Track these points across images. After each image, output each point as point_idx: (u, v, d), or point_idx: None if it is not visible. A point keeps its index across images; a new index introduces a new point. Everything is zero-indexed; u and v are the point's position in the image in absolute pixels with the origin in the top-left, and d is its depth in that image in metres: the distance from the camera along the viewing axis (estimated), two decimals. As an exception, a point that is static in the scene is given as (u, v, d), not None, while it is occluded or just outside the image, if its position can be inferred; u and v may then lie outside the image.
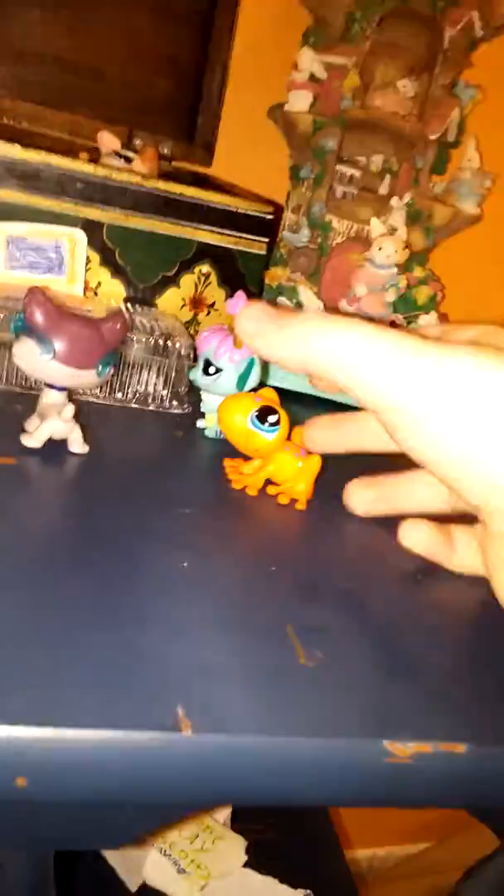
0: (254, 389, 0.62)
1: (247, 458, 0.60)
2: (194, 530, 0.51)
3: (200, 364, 0.64)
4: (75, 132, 1.04)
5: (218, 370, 0.61)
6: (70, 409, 0.56)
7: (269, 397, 0.59)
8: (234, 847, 0.97)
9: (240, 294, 0.65)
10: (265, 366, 0.66)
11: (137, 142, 1.05)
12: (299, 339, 0.42)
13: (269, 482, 0.60)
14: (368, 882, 1.38)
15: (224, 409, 0.58)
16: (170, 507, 0.53)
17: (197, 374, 0.64)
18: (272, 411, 0.57)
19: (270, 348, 0.44)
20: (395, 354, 0.39)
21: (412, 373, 0.38)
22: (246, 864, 0.96)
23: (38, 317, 0.54)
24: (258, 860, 0.97)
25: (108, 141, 0.98)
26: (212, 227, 0.78)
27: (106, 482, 0.55)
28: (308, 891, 0.93)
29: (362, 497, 0.57)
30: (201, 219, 0.78)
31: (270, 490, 0.59)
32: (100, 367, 0.56)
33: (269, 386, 0.63)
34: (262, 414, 0.56)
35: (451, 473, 0.40)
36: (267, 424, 0.56)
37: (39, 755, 0.32)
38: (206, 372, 0.63)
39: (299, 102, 0.94)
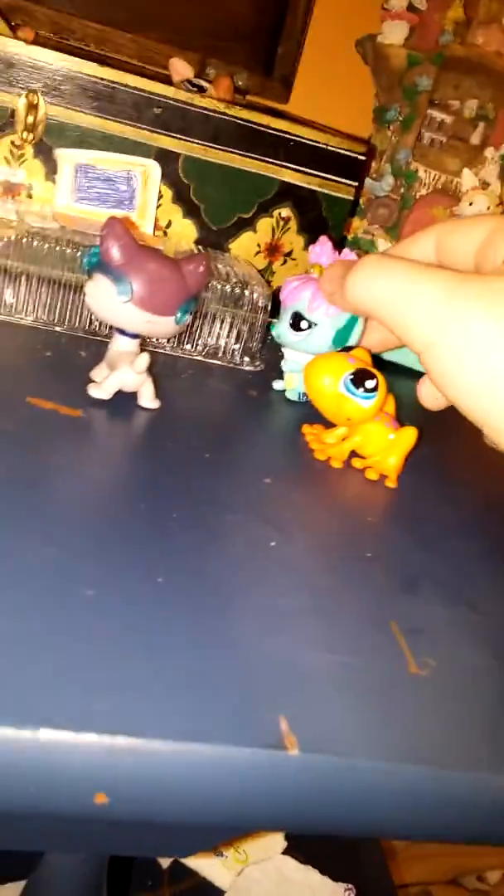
0: (345, 349, 0.56)
1: (328, 425, 0.54)
2: (276, 503, 0.45)
3: (287, 318, 0.57)
4: (145, 58, 0.96)
5: (311, 325, 0.55)
6: (144, 360, 0.50)
7: (364, 359, 0.53)
8: (274, 833, 0.93)
9: (324, 240, 0.58)
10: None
11: (210, 71, 0.96)
12: (356, 282, 0.41)
13: (353, 454, 0.54)
14: (399, 859, 1.35)
15: (312, 370, 0.52)
16: (248, 475, 0.48)
17: (282, 329, 0.58)
18: (370, 375, 0.50)
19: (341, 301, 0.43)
20: (437, 293, 0.36)
21: (453, 311, 0.36)
22: (284, 852, 0.92)
23: (116, 252, 0.48)
24: (296, 848, 0.94)
25: (180, 68, 0.90)
26: (297, 165, 0.71)
27: (177, 443, 0.49)
28: (350, 885, 0.89)
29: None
30: (286, 155, 0.70)
31: (356, 463, 0.53)
32: (179, 315, 0.50)
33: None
34: (359, 377, 0.50)
35: (488, 419, 0.35)
36: (363, 390, 0.50)
37: (123, 769, 0.27)
38: (295, 327, 0.56)
39: (394, 34, 0.85)
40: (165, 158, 0.68)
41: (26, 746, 0.25)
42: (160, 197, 0.69)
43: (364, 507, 0.49)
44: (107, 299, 0.48)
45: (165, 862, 0.89)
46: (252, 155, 0.70)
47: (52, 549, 0.34)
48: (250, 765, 0.28)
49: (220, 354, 0.65)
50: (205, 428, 0.54)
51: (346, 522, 0.46)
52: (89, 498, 0.40)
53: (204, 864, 0.88)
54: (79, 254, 0.58)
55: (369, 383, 0.50)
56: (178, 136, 0.67)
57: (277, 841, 0.93)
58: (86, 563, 0.34)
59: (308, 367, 0.53)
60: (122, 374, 0.50)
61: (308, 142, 0.70)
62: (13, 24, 0.78)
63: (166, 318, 0.50)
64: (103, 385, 0.50)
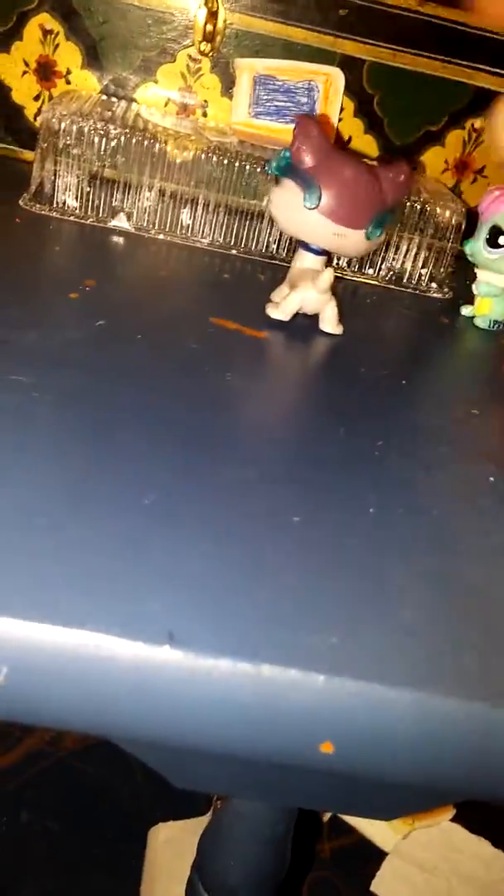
0: None
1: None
2: (488, 436, 0.40)
3: (484, 233, 0.51)
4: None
5: (515, 239, 0.48)
6: (328, 277, 0.45)
7: None
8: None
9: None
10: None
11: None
12: None
13: None
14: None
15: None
16: (453, 405, 0.42)
17: (477, 246, 0.51)
18: None
19: None
20: None
21: None
22: (453, 819, 0.87)
23: (307, 153, 0.43)
24: (463, 816, 0.88)
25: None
26: (496, 67, 0.63)
27: (365, 370, 0.45)
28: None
29: None
30: (484, 57, 0.62)
31: None
32: (370, 228, 0.45)
33: None
34: None
35: None
36: None
37: (351, 718, 0.23)
38: (492, 243, 0.50)
39: None
40: (349, 66, 0.62)
41: (246, 681, 0.22)
42: (341, 110, 0.63)
43: None
44: (293, 206, 0.44)
45: (326, 815, 0.87)
46: (445, 58, 0.62)
47: (251, 472, 0.31)
48: (489, 724, 0.23)
49: (405, 280, 0.59)
50: (396, 355, 0.49)
51: None
52: (284, 421, 0.37)
53: (365, 822, 0.85)
54: (258, 169, 0.54)
55: None
56: (364, 39, 0.61)
57: (447, 806, 0.88)
58: (290, 488, 0.31)
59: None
60: (303, 292, 0.46)
61: (510, 40, 0.62)
62: None
63: (357, 231, 0.45)
64: (283, 304, 0.47)
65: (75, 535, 0.25)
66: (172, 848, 0.76)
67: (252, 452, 0.33)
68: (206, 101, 0.63)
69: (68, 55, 0.61)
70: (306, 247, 0.47)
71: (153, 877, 0.73)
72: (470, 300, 0.56)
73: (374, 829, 0.84)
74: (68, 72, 0.62)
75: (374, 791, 0.32)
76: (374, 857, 0.84)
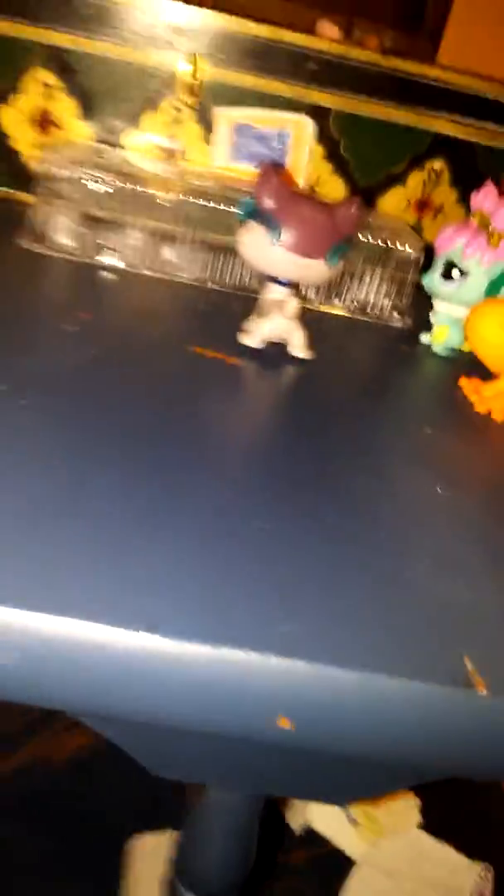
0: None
1: (485, 378, 0.53)
2: (439, 452, 0.45)
3: (439, 266, 0.56)
4: (291, 22, 0.96)
5: (463, 273, 0.53)
6: (293, 306, 0.51)
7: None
8: (409, 806, 0.92)
9: (489, 186, 0.56)
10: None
11: (356, 31, 0.95)
12: None
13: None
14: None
15: (479, 317, 0.50)
16: (407, 425, 0.47)
17: (433, 279, 0.57)
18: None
19: None
20: None
21: None
22: (421, 827, 0.91)
23: (269, 197, 0.49)
24: (430, 822, 0.92)
25: (327, 30, 0.89)
26: (453, 115, 0.69)
27: (332, 392, 0.50)
28: (487, 864, 0.86)
29: None
30: (443, 105, 0.68)
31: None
32: (330, 257, 0.51)
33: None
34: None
35: None
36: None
37: (309, 693, 0.27)
38: (447, 276, 0.55)
39: None
40: (317, 114, 0.68)
41: (211, 662, 0.26)
42: (311, 154, 0.69)
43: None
44: (260, 245, 0.49)
45: (298, 827, 0.90)
46: (407, 106, 0.68)
47: (221, 484, 0.36)
48: (435, 702, 0.27)
49: (368, 310, 0.65)
50: (358, 379, 0.54)
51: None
52: (254, 439, 0.42)
53: (337, 832, 0.88)
54: (234, 209, 0.59)
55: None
56: (332, 90, 0.67)
57: (413, 814, 0.92)
58: (256, 499, 0.35)
59: (474, 312, 0.51)
60: (272, 320, 0.51)
61: (467, 91, 0.68)
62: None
63: (318, 261, 0.50)
64: (255, 332, 0.52)
65: (68, 537, 0.30)
66: (152, 857, 0.79)
67: (226, 468, 0.38)
68: (187, 146, 0.69)
69: (65, 107, 0.67)
70: (274, 279, 0.52)
71: (134, 884, 0.76)
72: (429, 328, 0.61)
73: (343, 839, 0.87)
74: (64, 122, 0.68)
75: (331, 775, 0.36)
76: (346, 866, 0.87)
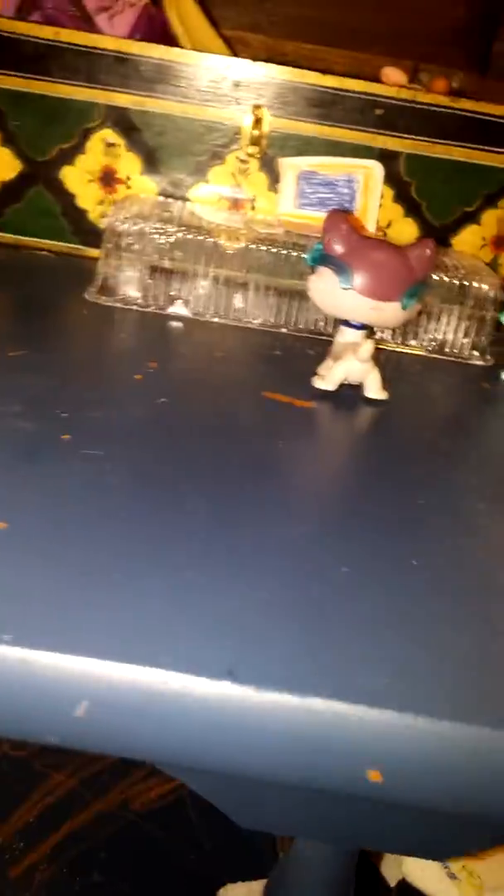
0: None
1: None
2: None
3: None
4: (358, 72, 0.97)
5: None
6: (368, 348, 0.49)
7: None
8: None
9: None
10: None
11: (423, 75, 0.95)
12: None
13: None
14: None
15: None
16: (495, 465, 0.45)
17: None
18: None
19: None
20: None
21: None
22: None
23: (337, 243, 0.48)
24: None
25: (393, 76, 0.90)
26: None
27: (409, 434, 0.48)
28: None
29: None
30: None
31: None
32: (405, 300, 0.49)
33: None
34: None
35: None
36: None
37: (402, 745, 0.25)
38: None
39: None
40: (387, 158, 0.67)
41: (296, 713, 0.25)
42: (381, 197, 0.68)
43: None
44: (330, 289, 0.48)
45: (393, 880, 0.85)
46: (477, 146, 0.67)
47: (304, 528, 0.34)
48: None
49: (447, 349, 0.62)
50: (437, 419, 0.52)
51: None
52: (333, 482, 0.40)
53: (434, 887, 0.82)
54: (303, 256, 0.59)
55: None
56: (401, 135, 0.67)
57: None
58: (338, 541, 0.34)
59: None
60: (346, 363, 0.50)
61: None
62: (234, 53, 0.82)
63: (392, 304, 0.49)
64: (328, 376, 0.50)
65: (148, 586, 0.28)
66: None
67: (305, 511, 0.36)
68: (254, 196, 0.69)
69: (129, 164, 0.69)
70: (347, 323, 0.51)
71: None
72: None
73: (441, 892, 0.81)
74: (129, 178, 0.69)
75: (427, 829, 0.33)
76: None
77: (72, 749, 0.26)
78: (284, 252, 0.59)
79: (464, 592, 0.32)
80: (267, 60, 0.65)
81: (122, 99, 0.67)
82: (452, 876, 0.81)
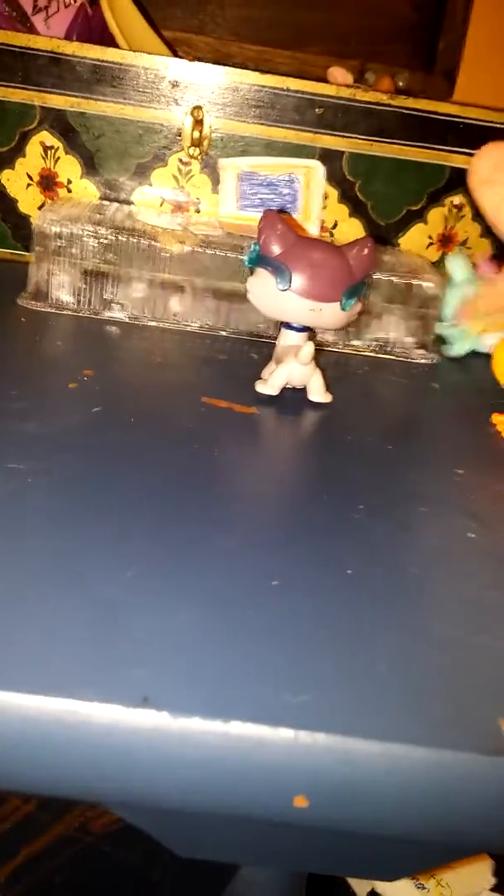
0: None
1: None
2: (470, 493, 0.41)
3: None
4: (303, 72, 0.97)
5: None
6: (309, 350, 0.48)
7: None
8: (481, 868, 0.85)
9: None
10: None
11: (370, 75, 0.95)
12: None
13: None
14: None
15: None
16: (436, 466, 0.44)
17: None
18: None
19: None
20: None
21: None
22: (494, 889, 0.83)
23: (274, 243, 0.46)
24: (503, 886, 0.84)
25: (339, 76, 0.89)
26: (469, 149, 0.66)
27: (355, 435, 0.47)
28: None
29: None
30: (456, 140, 0.66)
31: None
32: (344, 300, 0.48)
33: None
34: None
35: None
36: None
37: (324, 771, 0.24)
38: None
39: None
40: (329, 158, 0.66)
41: (217, 740, 0.23)
42: (325, 198, 0.67)
43: None
44: (268, 291, 0.47)
45: (363, 893, 0.84)
46: (421, 144, 0.66)
47: (234, 540, 0.33)
48: (469, 772, 0.24)
49: (391, 348, 0.62)
50: (382, 420, 0.51)
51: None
52: (269, 490, 0.39)
53: (402, 897, 0.81)
54: (241, 257, 0.58)
55: None
56: (342, 133, 0.66)
57: (484, 876, 0.84)
58: (269, 553, 0.33)
59: (500, 347, 0.48)
60: (288, 366, 0.49)
61: (481, 124, 0.66)
62: (177, 54, 0.81)
63: (331, 305, 0.47)
64: (270, 380, 0.49)
65: (63, 607, 0.27)
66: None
67: (238, 521, 0.35)
68: (198, 198, 0.68)
69: (68, 167, 0.67)
70: (288, 325, 0.50)
71: None
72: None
73: None
74: (69, 182, 0.67)
75: (366, 851, 0.32)
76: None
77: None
78: (222, 254, 0.57)
79: (398, 604, 0.31)
80: (212, 62, 0.64)
81: (59, 101, 0.65)
82: (421, 886, 0.80)
